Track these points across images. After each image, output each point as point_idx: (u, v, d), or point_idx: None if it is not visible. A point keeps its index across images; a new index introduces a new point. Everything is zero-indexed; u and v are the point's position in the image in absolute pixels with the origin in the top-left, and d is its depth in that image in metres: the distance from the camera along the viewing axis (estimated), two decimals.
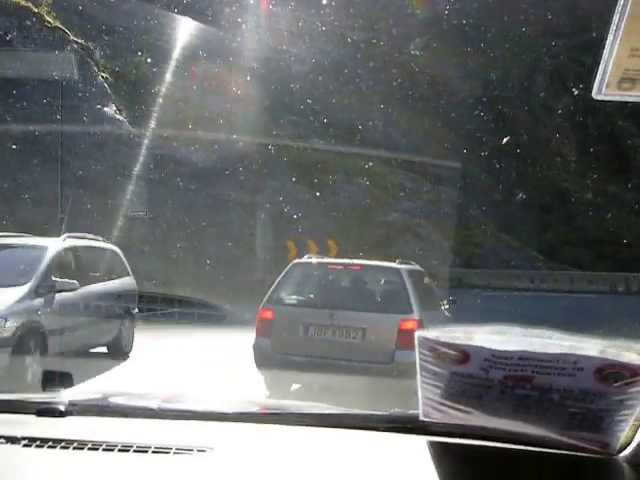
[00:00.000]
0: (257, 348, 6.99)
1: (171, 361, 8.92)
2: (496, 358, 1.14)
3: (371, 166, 22.35)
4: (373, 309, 7.06)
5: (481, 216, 20.01)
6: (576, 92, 23.39)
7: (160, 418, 1.63)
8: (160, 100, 23.15)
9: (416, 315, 6.74)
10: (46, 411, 1.61)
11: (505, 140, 21.93)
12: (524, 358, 1.13)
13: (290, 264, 7.57)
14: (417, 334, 1.18)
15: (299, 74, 26.04)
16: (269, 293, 7.25)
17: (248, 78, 25.06)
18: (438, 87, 26.31)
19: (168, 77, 24.26)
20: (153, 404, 1.68)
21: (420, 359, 1.19)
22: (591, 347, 1.11)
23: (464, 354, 1.15)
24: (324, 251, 15.27)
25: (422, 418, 1.29)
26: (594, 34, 23.16)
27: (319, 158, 22.61)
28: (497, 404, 1.20)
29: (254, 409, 1.78)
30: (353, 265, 7.61)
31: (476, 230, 18.84)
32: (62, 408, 1.62)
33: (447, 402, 1.24)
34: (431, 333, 1.17)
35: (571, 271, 19.01)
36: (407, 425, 1.48)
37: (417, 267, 7.96)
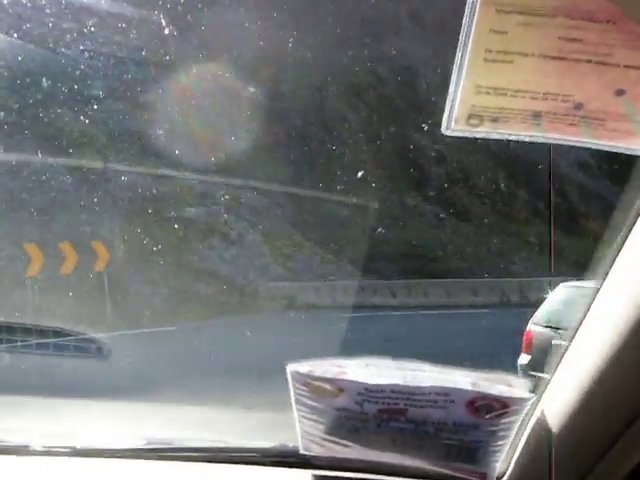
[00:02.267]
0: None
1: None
2: (369, 392, 1.15)
3: None
4: None
5: (286, 226, 19.07)
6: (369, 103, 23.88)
7: (39, 455, 1.59)
8: None
9: None
10: None
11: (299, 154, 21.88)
12: (396, 391, 1.14)
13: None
14: (289, 368, 1.16)
15: None
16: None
17: None
18: None
19: None
20: (33, 441, 1.62)
21: (295, 393, 1.19)
22: (463, 379, 1.14)
23: (338, 388, 1.16)
24: (87, 259, 12.68)
25: (302, 452, 1.30)
26: (387, 47, 23.32)
27: None
28: (374, 437, 1.22)
29: (135, 444, 1.65)
30: None
31: (286, 241, 17.87)
32: None
33: (326, 436, 1.25)
34: (304, 367, 1.16)
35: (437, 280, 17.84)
36: (290, 459, 1.49)
37: None
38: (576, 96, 0.87)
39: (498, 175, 21.06)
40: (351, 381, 1.16)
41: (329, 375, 1.16)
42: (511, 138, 0.92)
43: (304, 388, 1.18)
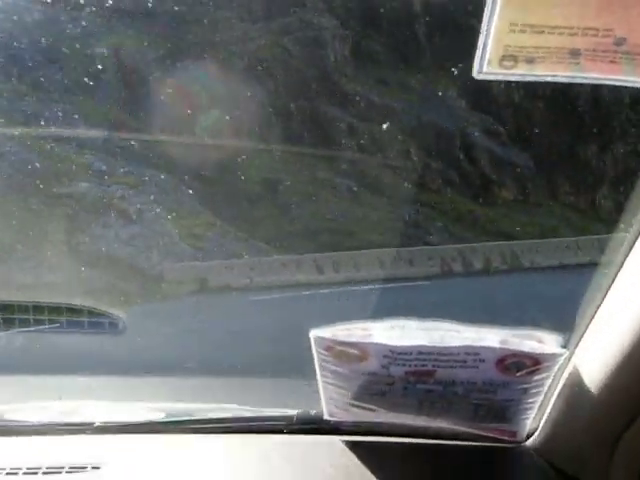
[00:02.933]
0: None
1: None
2: (395, 354, 1.13)
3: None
4: None
5: (197, 205, 18.28)
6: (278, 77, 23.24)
7: (52, 434, 1.55)
8: None
9: None
10: None
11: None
12: (424, 352, 1.12)
13: None
14: (312, 333, 1.14)
15: None
16: None
17: None
18: None
19: None
20: (44, 419, 1.59)
21: (319, 359, 1.17)
22: (492, 337, 1.12)
23: (363, 351, 1.13)
24: None
25: (327, 417, 1.28)
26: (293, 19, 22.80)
27: None
28: (401, 400, 1.19)
29: (152, 417, 1.63)
30: None
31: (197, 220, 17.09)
32: None
33: (351, 400, 1.21)
34: (327, 331, 1.13)
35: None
36: (314, 425, 1.46)
37: None
38: (618, 30, 0.82)
39: (410, 146, 20.77)
40: (376, 344, 1.13)
41: (353, 339, 1.13)
42: (547, 80, 0.87)
43: (327, 353, 1.15)
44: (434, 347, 1.12)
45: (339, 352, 1.15)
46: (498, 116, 20.98)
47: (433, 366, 1.14)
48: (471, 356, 1.12)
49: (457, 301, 9.83)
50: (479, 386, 1.16)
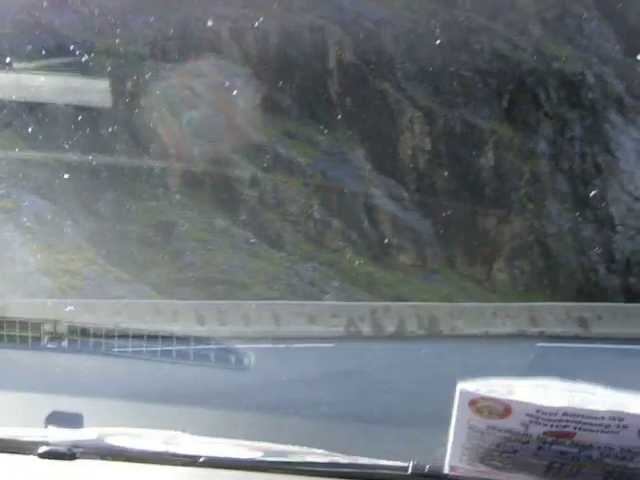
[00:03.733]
0: None
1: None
2: (540, 413, 1.14)
3: None
4: None
5: (78, 239, 17.25)
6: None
7: (153, 463, 1.58)
8: None
9: None
10: (49, 454, 1.57)
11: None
12: (568, 414, 1.14)
13: None
14: (459, 386, 1.16)
15: None
16: None
17: None
18: None
19: None
20: (159, 447, 1.63)
21: (458, 412, 1.17)
22: (637, 403, 1.13)
23: (506, 408, 1.15)
24: None
25: (446, 472, 1.28)
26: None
27: None
28: (531, 459, 1.20)
29: (253, 456, 1.65)
30: None
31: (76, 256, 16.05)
32: (65, 450, 1.57)
33: (478, 456, 1.22)
34: (472, 385, 1.16)
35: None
36: (429, 479, 1.40)
37: None
38: None
39: (312, 202, 20.49)
40: (523, 402, 1.14)
41: (500, 395, 1.15)
42: None
43: (470, 407, 1.17)
44: (581, 409, 1.13)
45: (481, 407, 1.16)
46: (402, 180, 21.02)
47: (574, 428, 1.15)
48: (615, 421, 1.12)
49: (365, 365, 9.39)
50: (616, 452, 1.16)
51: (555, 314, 12.98)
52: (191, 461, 1.60)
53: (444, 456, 1.26)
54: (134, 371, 9.30)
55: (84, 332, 10.12)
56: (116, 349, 9.33)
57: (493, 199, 20.76)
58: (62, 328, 10.22)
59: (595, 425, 1.13)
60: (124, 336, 10.80)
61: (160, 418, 6.09)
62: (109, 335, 10.44)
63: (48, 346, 10.19)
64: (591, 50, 24.10)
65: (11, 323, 9.80)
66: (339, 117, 21.75)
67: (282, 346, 10.13)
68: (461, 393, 1.17)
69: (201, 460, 1.59)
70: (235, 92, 21.67)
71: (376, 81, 22.51)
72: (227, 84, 21.75)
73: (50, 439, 1.65)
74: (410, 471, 1.45)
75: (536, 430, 1.16)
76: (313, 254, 19.81)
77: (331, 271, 19.43)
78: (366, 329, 11.80)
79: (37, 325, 10.01)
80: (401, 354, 10.76)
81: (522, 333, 12.36)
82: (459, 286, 19.98)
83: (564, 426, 1.15)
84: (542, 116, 21.86)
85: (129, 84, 22.14)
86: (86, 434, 1.76)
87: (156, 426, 1.91)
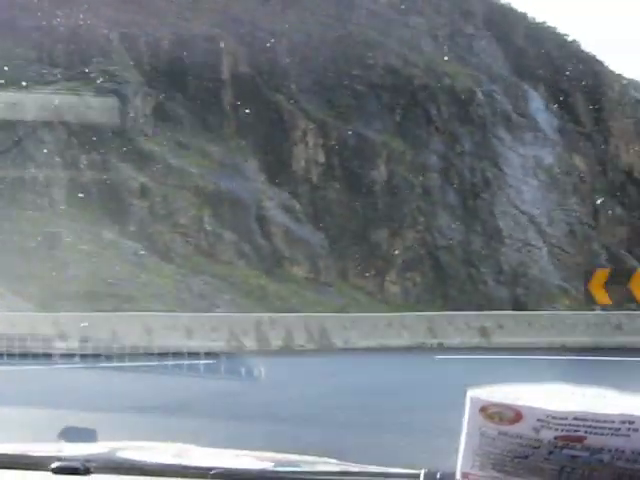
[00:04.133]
0: None
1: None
2: (550, 418, 1.14)
3: None
4: None
5: None
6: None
7: (166, 476, 1.58)
8: None
9: None
10: (63, 469, 1.57)
11: None
12: (579, 418, 1.14)
13: None
14: (469, 393, 1.17)
15: None
16: None
17: None
18: None
19: None
20: (171, 460, 1.66)
21: (469, 419, 1.18)
22: None
23: (517, 414, 1.15)
24: None
25: (459, 478, 1.26)
26: None
27: None
28: (542, 464, 1.21)
29: (268, 466, 1.67)
30: None
31: None
32: (79, 465, 1.57)
33: (489, 462, 1.23)
34: (484, 392, 1.16)
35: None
36: None
37: None
38: None
39: (204, 213, 20.13)
40: (533, 407, 1.15)
41: (510, 401, 1.15)
42: None
43: (480, 414, 1.17)
44: (592, 413, 1.13)
45: (492, 413, 1.15)
46: (295, 193, 20.93)
47: (585, 432, 1.15)
48: (626, 424, 1.13)
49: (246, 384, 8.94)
50: (627, 455, 1.17)
51: (454, 324, 12.61)
52: (203, 473, 1.61)
53: (455, 463, 1.26)
54: (142, 385, 8.93)
55: (94, 347, 10.22)
56: (126, 363, 9.31)
57: (385, 212, 20.93)
58: (73, 343, 10.12)
59: (606, 429, 1.15)
60: (133, 351, 10.71)
61: (169, 431, 5.83)
62: (119, 350, 9.88)
63: (59, 361, 9.97)
64: (481, 69, 24.78)
65: (22, 337, 9.69)
66: (232, 128, 21.50)
67: (154, 363, 9.63)
68: (472, 400, 1.18)
69: (213, 472, 1.59)
70: (125, 100, 21.09)
71: (270, 93, 22.39)
72: (117, 91, 21.15)
73: (63, 454, 1.67)
74: (422, 479, 1.46)
75: (547, 435, 1.17)
76: (204, 267, 19.42)
77: (222, 284, 19.09)
78: (250, 343, 11.25)
79: (48, 340, 10.02)
80: (288, 368, 10.31)
81: (420, 345, 11.99)
82: (352, 298, 20.00)
83: (575, 430, 1.16)
84: (433, 131, 22.27)
85: (13, 89, 21.22)
86: (98, 448, 1.78)
87: (167, 439, 1.89)
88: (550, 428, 1.16)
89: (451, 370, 10.02)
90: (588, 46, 31.64)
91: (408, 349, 11.43)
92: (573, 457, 1.19)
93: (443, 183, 21.74)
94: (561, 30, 27.96)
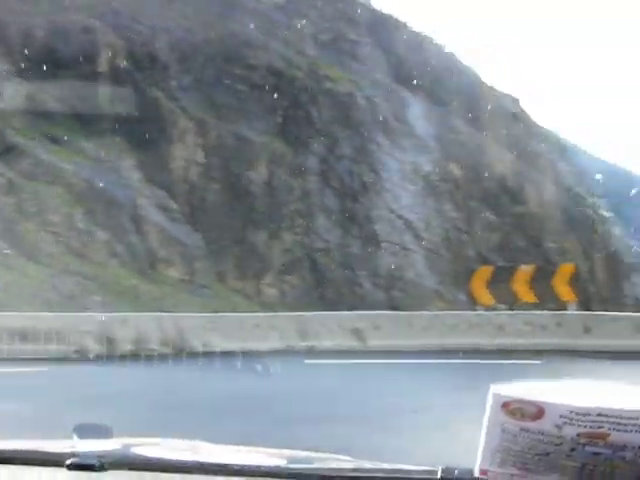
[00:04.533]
0: None
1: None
2: (573, 414, 1.15)
3: None
4: None
5: None
6: None
7: (182, 473, 1.58)
8: None
9: None
10: (77, 465, 1.57)
11: None
12: (603, 415, 1.13)
13: None
14: (492, 389, 1.18)
15: None
16: None
17: None
18: None
19: None
20: (186, 457, 1.64)
21: (491, 415, 1.19)
22: None
23: (539, 410, 1.15)
24: None
25: (477, 475, 1.26)
26: None
27: None
28: (564, 461, 1.20)
29: (282, 463, 1.65)
30: None
31: None
32: (94, 462, 1.57)
33: (510, 459, 1.22)
34: (506, 388, 1.17)
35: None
36: None
37: None
38: None
39: (75, 211, 19.40)
40: (554, 403, 1.15)
41: (532, 397, 1.15)
42: None
43: (501, 409, 1.17)
44: (615, 409, 1.12)
45: (514, 409, 1.16)
46: (172, 192, 20.48)
47: (609, 429, 1.14)
48: None
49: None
50: None
51: (327, 325, 11.93)
52: (218, 469, 1.61)
53: (474, 460, 1.25)
54: (156, 381, 8.93)
55: (109, 344, 10.31)
56: (140, 361, 9.50)
57: (264, 214, 20.81)
58: (88, 341, 10.04)
59: (630, 425, 1.13)
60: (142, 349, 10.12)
61: (184, 427, 5.69)
62: (134, 347, 9.99)
63: (74, 358, 10.04)
64: (362, 74, 25.07)
65: (36, 336, 9.95)
66: (108, 123, 20.80)
67: None
68: (494, 396, 1.17)
69: (227, 468, 1.60)
70: None
71: (149, 89, 21.82)
72: None
73: (78, 451, 1.65)
74: (440, 475, 1.43)
75: (569, 431, 1.16)
76: (74, 267, 18.67)
77: (93, 285, 18.41)
78: (96, 346, 10.43)
79: (63, 338, 10.00)
80: (134, 376, 9.44)
81: (289, 348, 11.35)
82: (229, 301, 19.74)
83: (598, 427, 1.14)
84: (314, 134, 22.32)
85: None
86: (113, 445, 1.76)
87: (181, 436, 1.86)
88: (573, 424, 1.15)
89: (320, 375, 9.72)
90: (465, 58, 32.69)
91: (276, 352, 10.73)
92: (595, 454, 1.18)
93: (322, 186, 21.83)
94: (440, 41, 28.73)
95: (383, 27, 26.74)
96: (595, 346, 11.28)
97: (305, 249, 20.89)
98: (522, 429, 1.18)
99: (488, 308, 13.25)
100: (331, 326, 11.99)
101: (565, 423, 1.16)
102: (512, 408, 1.17)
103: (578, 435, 1.16)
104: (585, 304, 17.91)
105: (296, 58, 24.30)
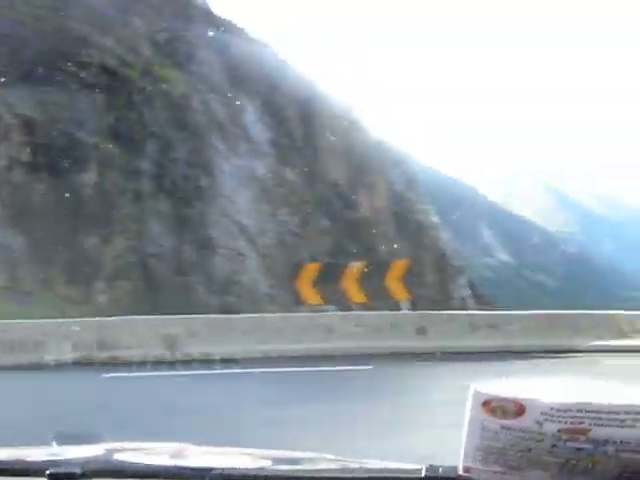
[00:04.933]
0: None
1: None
2: (554, 411, 1.15)
3: None
4: None
5: None
6: None
7: (182, 478, 1.54)
8: None
9: None
10: (58, 475, 1.48)
11: None
12: (583, 410, 1.15)
13: None
14: (472, 387, 1.19)
15: None
16: None
17: None
18: None
19: None
20: (169, 461, 1.61)
21: (472, 413, 1.19)
22: None
23: (519, 407, 1.16)
24: None
25: (461, 472, 1.27)
26: None
27: None
28: (546, 457, 1.21)
29: (267, 464, 1.62)
30: None
31: None
32: (76, 470, 1.49)
33: (492, 457, 1.22)
34: (487, 386, 1.18)
35: None
36: None
37: None
38: None
39: None
40: (535, 400, 1.16)
41: (512, 395, 1.17)
42: None
43: (483, 408, 1.18)
44: (595, 405, 1.14)
45: (495, 407, 1.16)
46: None
47: (590, 424, 1.15)
48: (631, 415, 1.13)
49: None
50: (632, 446, 1.16)
51: (134, 332, 10.51)
52: (201, 474, 1.56)
53: (457, 458, 1.26)
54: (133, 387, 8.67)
55: (88, 350, 10.14)
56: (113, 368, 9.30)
57: (95, 217, 20.21)
58: (66, 347, 9.84)
59: (610, 420, 1.14)
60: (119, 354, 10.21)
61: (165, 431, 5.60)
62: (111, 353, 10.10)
63: (52, 364, 9.64)
64: (199, 76, 24.93)
65: (12, 344, 9.87)
66: None
67: None
68: (474, 394, 1.18)
69: (211, 472, 1.55)
70: None
71: None
72: None
73: (59, 459, 1.62)
74: (424, 473, 1.43)
75: (550, 428, 1.17)
76: None
77: None
78: None
79: (42, 344, 9.80)
80: None
81: (87, 359, 9.89)
82: (56, 308, 19.01)
83: (579, 422, 1.16)
84: (148, 135, 21.95)
85: None
86: (94, 451, 1.71)
87: (163, 439, 1.79)
88: (553, 421, 1.16)
89: (119, 391, 8.49)
90: (302, 65, 33.29)
91: (71, 365, 9.61)
92: (577, 449, 1.19)
93: (156, 190, 21.52)
94: (277, 48, 29.11)
95: (221, 32, 26.73)
96: (431, 348, 10.86)
97: (138, 254, 20.50)
98: (503, 427, 1.20)
99: (316, 309, 12.57)
100: (138, 332, 10.51)
101: (546, 420, 1.18)
102: (493, 406, 1.19)
103: (559, 431, 1.19)
104: (415, 305, 18.44)
105: (131, 57, 23.79)
